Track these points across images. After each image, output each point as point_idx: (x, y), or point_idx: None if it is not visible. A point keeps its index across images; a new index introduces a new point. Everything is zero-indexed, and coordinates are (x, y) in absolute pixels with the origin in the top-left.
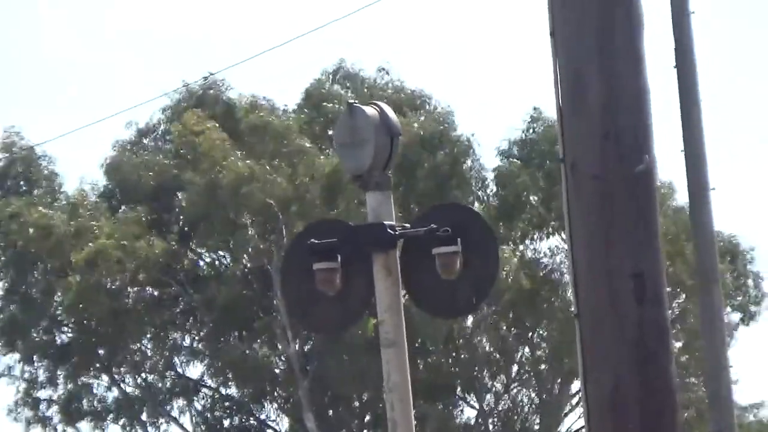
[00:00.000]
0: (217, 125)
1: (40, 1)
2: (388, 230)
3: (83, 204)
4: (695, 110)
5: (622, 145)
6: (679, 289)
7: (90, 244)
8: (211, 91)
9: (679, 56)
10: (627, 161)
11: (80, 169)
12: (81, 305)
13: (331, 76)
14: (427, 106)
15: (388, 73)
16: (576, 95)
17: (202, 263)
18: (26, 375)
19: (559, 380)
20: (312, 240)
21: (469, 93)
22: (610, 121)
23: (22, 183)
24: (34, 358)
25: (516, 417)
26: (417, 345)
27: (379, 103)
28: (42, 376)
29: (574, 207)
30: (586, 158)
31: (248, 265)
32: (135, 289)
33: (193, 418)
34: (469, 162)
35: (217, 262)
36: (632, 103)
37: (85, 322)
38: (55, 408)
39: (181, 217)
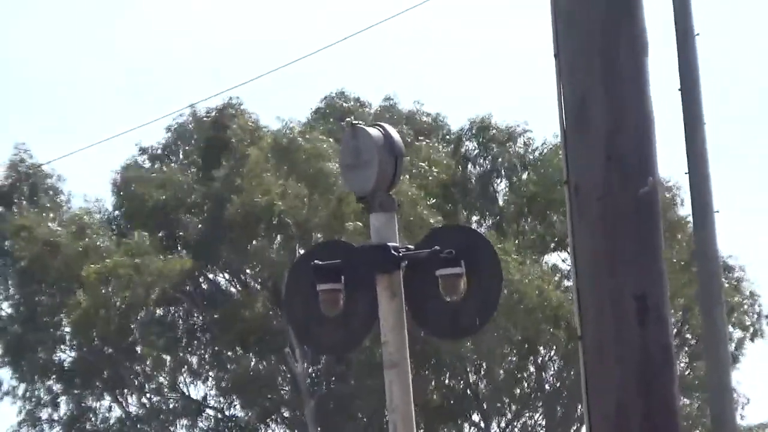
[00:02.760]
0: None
1: (50, 18)
2: (392, 252)
3: (89, 224)
4: (699, 132)
5: (625, 167)
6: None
7: (99, 263)
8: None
9: (684, 78)
10: (630, 183)
11: (89, 188)
12: (88, 323)
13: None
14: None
15: (393, 103)
16: (580, 117)
17: (210, 283)
18: (28, 394)
19: (564, 402)
20: (315, 261)
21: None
22: (614, 143)
23: (24, 202)
24: (35, 377)
25: None
26: (429, 365)
27: (383, 123)
28: (45, 396)
29: (578, 228)
30: (589, 180)
31: (260, 283)
32: (144, 309)
33: None
34: None
35: (228, 282)
36: (636, 126)
37: (93, 341)
38: (57, 428)
39: (193, 236)
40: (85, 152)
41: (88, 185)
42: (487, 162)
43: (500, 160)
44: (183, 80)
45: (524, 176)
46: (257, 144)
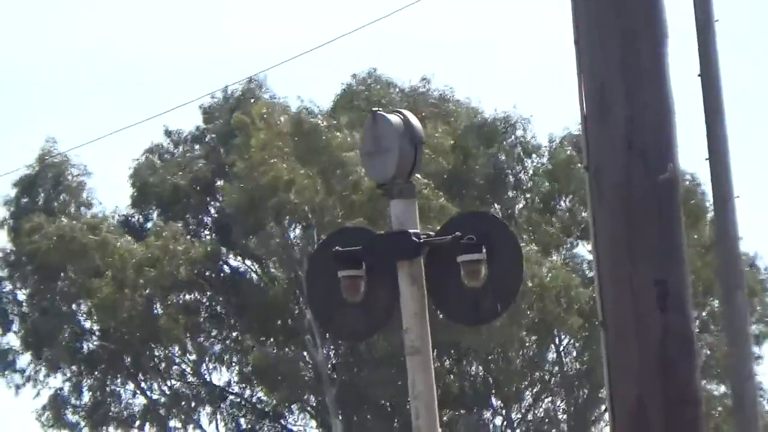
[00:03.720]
0: (281, 126)
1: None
2: (413, 238)
3: (102, 225)
4: (719, 118)
5: (645, 154)
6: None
7: (122, 250)
8: (253, 93)
9: (704, 64)
10: (651, 170)
11: (114, 176)
12: (111, 307)
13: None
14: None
15: (429, 82)
16: (600, 105)
17: (230, 267)
18: (50, 381)
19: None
20: (336, 247)
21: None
22: (634, 130)
23: (50, 192)
24: (58, 365)
25: (546, 426)
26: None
27: (403, 110)
28: (67, 383)
29: (599, 215)
30: (610, 167)
31: (281, 270)
32: (166, 296)
33: (224, 422)
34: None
35: (249, 267)
36: (656, 113)
37: (115, 327)
38: (80, 414)
39: (215, 216)
40: (112, 142)
41: (114, 174)
42: (491, 152)
43: (505, 151)
44: (213, 65)
45: (533, 164)
46: (273, 127)
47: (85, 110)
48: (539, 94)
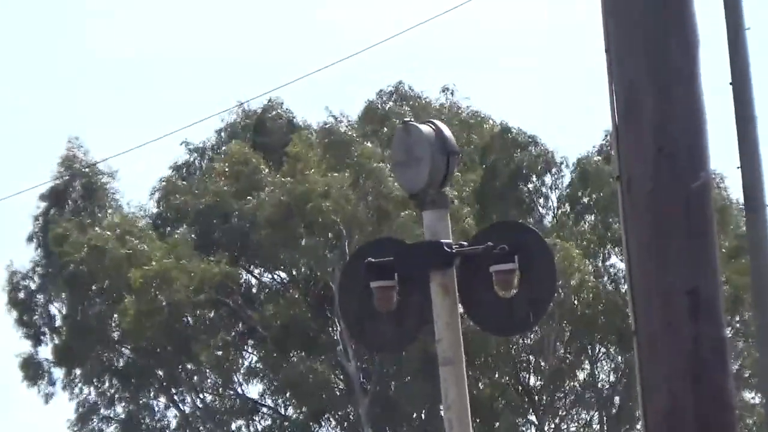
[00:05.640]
0: (262, 157)
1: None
2: (445, 248)
3: (131, 231)
4: (751, 126)
5: (677, 161)
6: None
7: (146, 266)
8: (272, 113)
9: (735, 72)
10: (683, 177)
11: (142, 182)
12: (139, 329)
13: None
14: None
15: (452, 93)
16: (631, 112)
17: (255, 281)
18: (84, 393)
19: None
20: (369, 258)
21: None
22: (665, 137)
23: (79, 201)
24: (94, 381)
25: None
26: (478, 362)
27: (435, 120)
28: (101, 396)
29: (630, 223)
30: (641, 174)
31: (312, 281)
32: (195, 311)
33: None
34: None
35: (274, 280)
36: (687, 119)
37: (143, 345)
38: (114, 426)
39: (237, 235)
40: (140, 149)
41: (142, 178)
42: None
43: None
44: (234, 77)
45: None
46: (303, 139)
47: (102, 112)
48: (567, 106)
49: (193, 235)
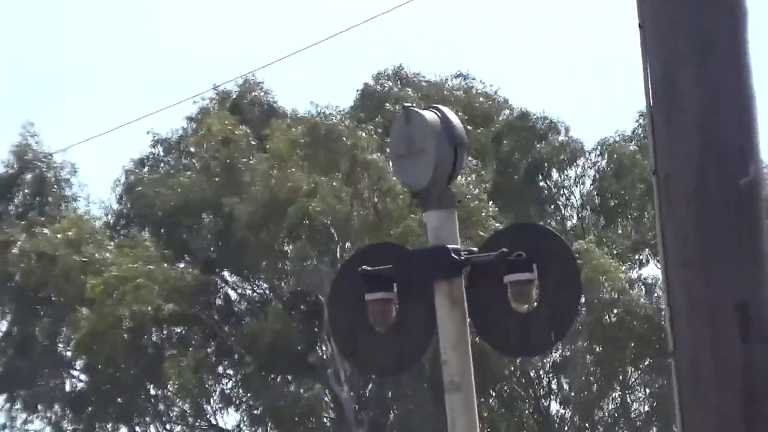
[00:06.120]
0: (248, 131)
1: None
2: (453, 255)
3: (87, 233)
4: None
5: (723, 155)
6: None
7: (104, 274)
8: (252, 95)
9: None
10: (729, 173)
11: (103, 178)
12: (95, 343)
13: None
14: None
15: (465, 78)
16: (669, 97)
17: (236, 293)
18: (29, 425)
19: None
20: (364, 266)
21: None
22: (710, 127)
23: (28, 198)
24: (39, 407)
25: None
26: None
27: (441, 106)
28: (50, 426)
29: (669, 227)
30: (681, 170)
31: (298, 294)
32: (162, 326)
33: None
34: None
35: (255, 291)
36: (734, 106)
37: (99, 366)
38: None
39: (207, 241)
40: (100, 141)
41: (102, 174)
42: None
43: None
44: (209, 62)
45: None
46: (283, 131)
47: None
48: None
49: (160, 238)
